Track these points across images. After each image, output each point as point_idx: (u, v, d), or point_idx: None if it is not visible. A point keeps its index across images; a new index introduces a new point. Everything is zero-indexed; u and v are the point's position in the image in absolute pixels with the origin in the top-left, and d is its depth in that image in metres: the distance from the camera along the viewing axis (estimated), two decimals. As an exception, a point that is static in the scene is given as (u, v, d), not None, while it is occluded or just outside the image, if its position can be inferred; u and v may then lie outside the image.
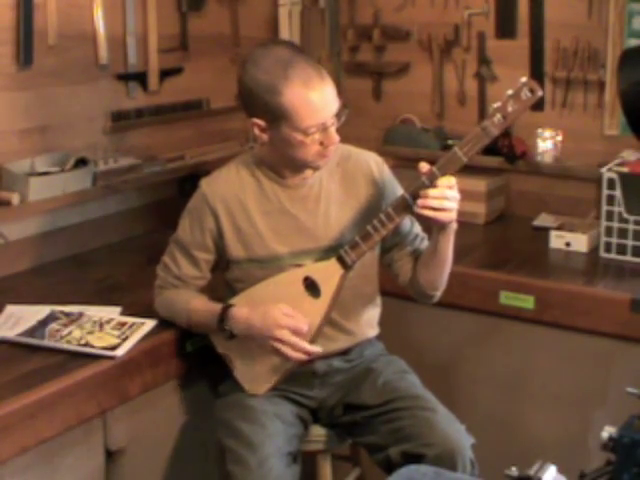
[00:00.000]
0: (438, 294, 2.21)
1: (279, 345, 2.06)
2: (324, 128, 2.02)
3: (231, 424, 2.10)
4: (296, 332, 2.05)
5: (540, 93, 1.97)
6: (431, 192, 1.96)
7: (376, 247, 2.16)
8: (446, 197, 1.96)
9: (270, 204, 2.16)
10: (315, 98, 1.99)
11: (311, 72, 2.00)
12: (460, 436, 2.02)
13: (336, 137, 2.05)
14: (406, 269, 2.21)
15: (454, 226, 2.06)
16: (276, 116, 2.01)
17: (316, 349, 2.08)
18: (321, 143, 2.04)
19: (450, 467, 1.93)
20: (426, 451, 1.98)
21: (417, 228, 2.23)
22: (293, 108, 1.98)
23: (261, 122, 2.05)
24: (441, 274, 2.16)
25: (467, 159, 1.98)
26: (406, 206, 2.02)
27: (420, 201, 1.97)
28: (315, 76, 2.00)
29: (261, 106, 2.02)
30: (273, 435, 2.06)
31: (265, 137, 2.07)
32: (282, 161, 2.12)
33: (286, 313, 2.06)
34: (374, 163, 2.22)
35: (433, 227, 2.07)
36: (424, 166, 2.00)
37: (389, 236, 2.12)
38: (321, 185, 2.18)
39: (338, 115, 2.05)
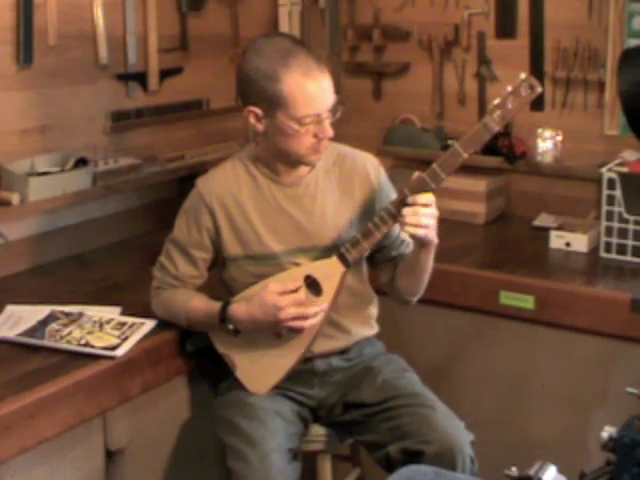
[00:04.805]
0: (415, 299, 2.25)
1: (289, 324, 2.06)
2: (319, 120, 2.04)
3: (231, 421, 2.10)
4: (297, 304, 2.06)
5: (539, 89, 1.99)
6: (405, 210, 1.99)
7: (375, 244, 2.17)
8: (420, 213, 1.99)
9: (266, 202, 2.17)
10: (312, 88, 2.01)
11: (311, 63, 2.03)
12: (460, 433, 2.02)
13: (330, 131, 2.06)
14: (387, 271, 2.24)
15: (435, 241, 2.08)
16: (273, 103, 2.02)
17: (324, 305, 2.08)
18: (315, 136, 2.05)
19: (450, 464, 1.94)
20: (425, 448, 1.98)
21: (404, 233, 2.23)
22: (290, 96, 2.00)
23: (257, 110, 2.06)
24: (420, 283, 2.20)
25: (468, 155, 2.00)
26: (407, 203, 2.03)
27: (401, 218, 2.00)
28: (315, 67, 2.03)
29: (259, 93, 2.04)
30: (273, 431, 2.06)
31: (260, 127, 2.08)
32: (276, 156, 2.13)
33: (278, 292, 2.06)
34: (370, 165, 2.23)
35: (414, 241, 2.09)
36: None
37: (389, 233, 2.14)
38: (317, 184, 2.18)
39: (333, 110, 2.06)
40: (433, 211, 2.01)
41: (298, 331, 2.09)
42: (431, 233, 2.03)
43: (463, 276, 2.59)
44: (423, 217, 1.99)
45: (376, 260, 2.25)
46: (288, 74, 2.00)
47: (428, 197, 2.00)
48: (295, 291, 2.07)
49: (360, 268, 2.24)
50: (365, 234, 2.08)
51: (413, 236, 2.04)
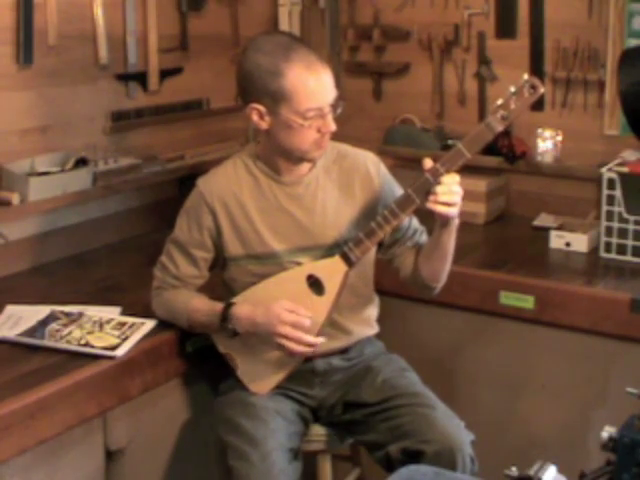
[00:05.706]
0: (439, 286, 2.23)
1: (283, 340, 2.06)
2: (322, 114, 2.04)
3: (232, 421, 2.10)
4: (298, 326, 2.05)
5: (542, 90, 2.00)
6: (439, 188, 1.98)
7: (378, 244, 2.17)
8: (454, 192, 1.99)
9: (267, 201, 2.17)
10: (315, 81, 2.03)
11: (312, 58, 2.05)
12: (459, 432, 2.02)
13: (333, 125, 2.07)
14: (407, 263, 2.23)
15: (457, 221, 2.08)
16: (276, 99, 2.03)
17: (319, 340, 2.08)
18: (318, 130, 2.06)
19: (450, 463, 1.94)
20: (425, 448, 1.98)
21: (415, 223, 2.24)
22: (293, 89, 2.01)
23: (261, 107, 2.06)
24: (443, 266, 2.18)
25: (471, 155, 2.00)
26: (411, 203, 2.03)
27: (432, 197, 1.99)
28: (316, 61, 2.05)
29: (261, 89, 2.04)
30: (274, 431, 2.06)
31: (264, 124, 2.08)
32: (279, 153, 2.13)
33: (288, 308, 2.06)
34: (371, 163, 2.23)
35: (437, 222, 2.08)
36: (428, 162, 2.02)
37: (392, 233, 2.14)
38: (318, 183, 2.18)
39: (335, 105, 2.07)
40: (460, 190, 2.01)
41: (287, 351, 2.08)
42: (457, 211, 2.04)
43: (463, 276, 2.59)
44: (455, 195, 2.00)
45: (391, 255, 2.25)
46: (290, 68, 2.01)
47: (454, 177, 2.00)
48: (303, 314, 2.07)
49: (366, 269, 2.23)
50: (368, 233, 2.08)
51: (442, 215, 2.02)
